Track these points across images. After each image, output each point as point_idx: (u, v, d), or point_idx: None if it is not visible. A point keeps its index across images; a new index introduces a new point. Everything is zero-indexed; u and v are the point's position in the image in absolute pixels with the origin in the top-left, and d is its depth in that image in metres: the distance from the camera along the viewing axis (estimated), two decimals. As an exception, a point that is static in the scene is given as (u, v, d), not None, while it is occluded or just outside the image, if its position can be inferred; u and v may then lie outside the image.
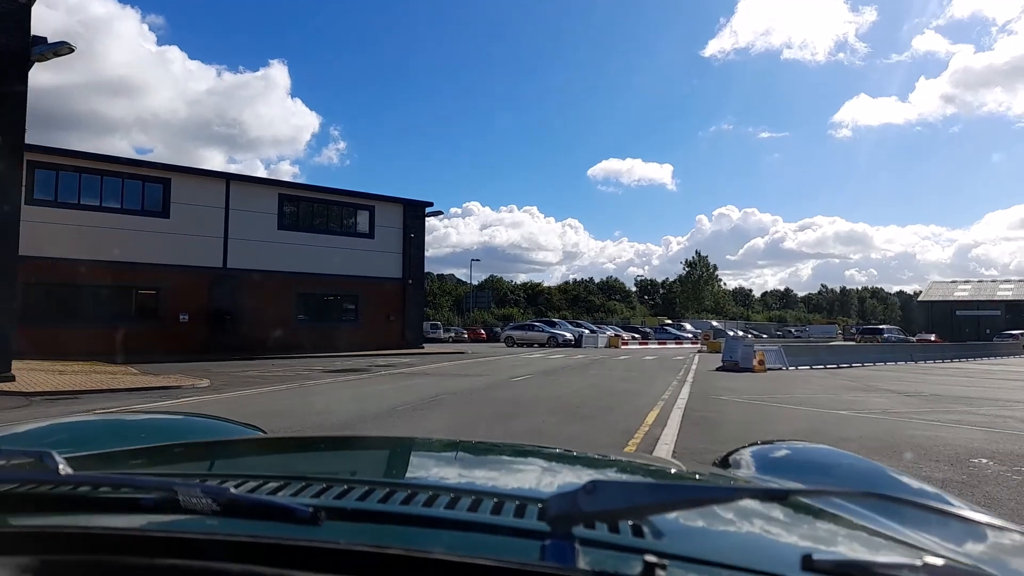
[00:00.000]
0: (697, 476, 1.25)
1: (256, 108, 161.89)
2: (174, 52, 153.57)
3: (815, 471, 1.45)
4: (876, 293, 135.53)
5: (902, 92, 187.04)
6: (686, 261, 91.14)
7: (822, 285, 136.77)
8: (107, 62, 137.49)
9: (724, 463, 1.50)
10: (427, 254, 29.84)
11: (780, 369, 21.43)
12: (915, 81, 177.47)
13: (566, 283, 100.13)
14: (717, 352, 36.39)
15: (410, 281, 29.65)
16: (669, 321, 65.07)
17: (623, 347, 39.97)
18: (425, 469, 1.29)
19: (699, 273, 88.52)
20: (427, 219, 31.34)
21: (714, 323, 58.70)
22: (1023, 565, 0.87)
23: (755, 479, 1.30)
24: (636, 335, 47.06)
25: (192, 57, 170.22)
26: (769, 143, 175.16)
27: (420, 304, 31.14)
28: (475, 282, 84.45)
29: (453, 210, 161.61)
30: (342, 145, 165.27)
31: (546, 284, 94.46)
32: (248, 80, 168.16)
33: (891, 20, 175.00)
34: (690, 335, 49.70)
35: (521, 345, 39.28)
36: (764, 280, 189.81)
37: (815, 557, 0.59)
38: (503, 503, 0.76)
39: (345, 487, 0.82)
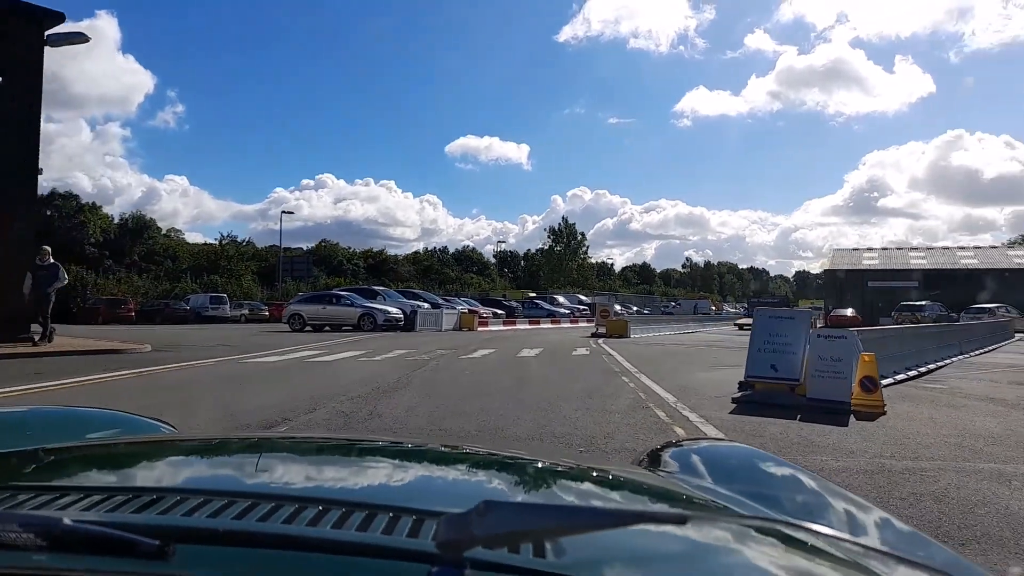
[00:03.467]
0: (613, 479, 1.20)
1: (80, 62, 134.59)
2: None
3: (739, 474, 1.35)
4: (732, 269, 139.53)
5: (735, 87, 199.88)
6: (550, 229, 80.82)
7: (686, 258, 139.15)
8: None
9: (653, 459, 1.44)
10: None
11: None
12: (747, 78, 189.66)
13: (416, 253, 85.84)
14: (622, 336, 23.75)
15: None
16: (533, 294, 53.15)
17: (481, 328, 27.01)
18: (321, 477, 1.14)
19: (566, 243, 78.60)
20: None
21: (582, 297, 49.10)
22: None
23: (676, 482, 1.24)
24: (498, 311, 33.98)
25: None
26: (618, 128, 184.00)
27: (28, 238, 13.41)
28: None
29: (305, 182, 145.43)
30: (180, 108, 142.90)
31: (392, 252, 79.24)
32: (70, 31, 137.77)
33: (727, 19, 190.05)
34: (566, 311, 39.19)
35: (318, 328, 24.75)
36: (613, 260, 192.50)
37: None
38: (399, 518, 0.71)
39: (225, 501, 0.74)
